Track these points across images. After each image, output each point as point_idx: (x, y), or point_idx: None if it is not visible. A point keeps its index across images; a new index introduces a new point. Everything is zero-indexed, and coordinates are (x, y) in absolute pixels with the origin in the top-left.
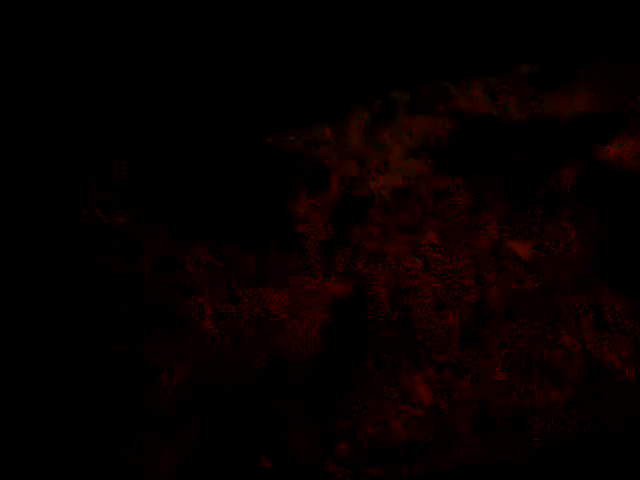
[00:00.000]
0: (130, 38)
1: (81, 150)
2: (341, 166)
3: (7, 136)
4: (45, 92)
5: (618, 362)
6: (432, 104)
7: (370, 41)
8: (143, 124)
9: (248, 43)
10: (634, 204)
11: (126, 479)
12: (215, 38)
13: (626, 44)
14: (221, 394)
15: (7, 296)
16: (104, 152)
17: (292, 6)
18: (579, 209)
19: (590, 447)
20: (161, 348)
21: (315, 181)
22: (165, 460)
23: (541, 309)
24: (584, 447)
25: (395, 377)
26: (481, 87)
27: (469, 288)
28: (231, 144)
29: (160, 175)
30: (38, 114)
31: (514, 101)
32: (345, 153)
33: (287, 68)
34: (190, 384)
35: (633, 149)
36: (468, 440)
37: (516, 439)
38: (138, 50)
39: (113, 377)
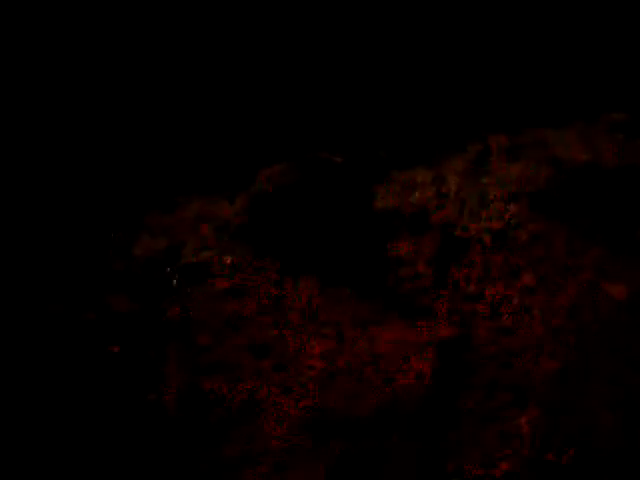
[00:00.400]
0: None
1: (190, 186)
2: (440, 209)
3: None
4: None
5: None
6: (529, 150)
7: (470, 86)
8: (253, 165)
9: (350, 91)
10: None
11: None
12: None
13: None
14: (330, 431)
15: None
16: (210, 190)
17: (394, 51)
18: None
19: None
20: (270, 383)
21: (415, 224)
22: None
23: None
24: None
25: (499, 417)
26: (575, 134)
27: (567, 329)
28: (334, 189)
29: (268, 214)
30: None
31: (607, 147)
32: (444, 196)
33: (386, 111)
34: (298, 420)
35: None
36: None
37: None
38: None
39: (222, 415)
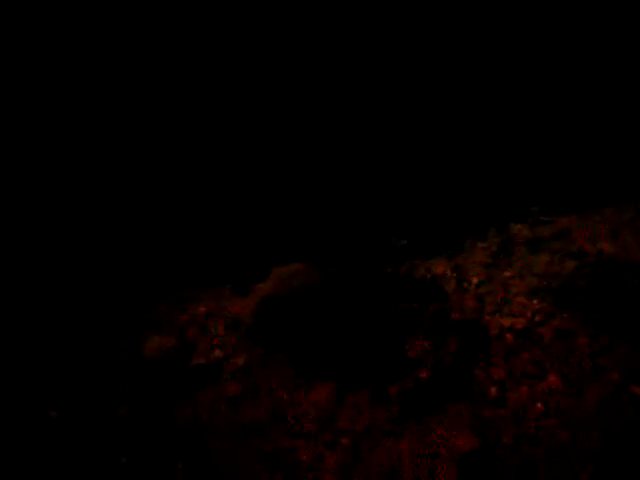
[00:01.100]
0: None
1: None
2: (461, 304)
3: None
4: None
5: None
6: (552, 241)
7: (493, 176)
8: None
9: (381, 182)
10: None
11: None
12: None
13: None
14: None
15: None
16: (222, 284)
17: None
18: None
19: None
20: None
21: (435, 322)
22: None
23: None
24: None
25: None
26: (600, 221)
27: (593, 435)
28: (357, 285)
29: (281, 314)
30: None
31: (634, 237)
32: (465, 290)
33: (411, 202)
34: None
35: None
36: None
37: None
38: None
39: None
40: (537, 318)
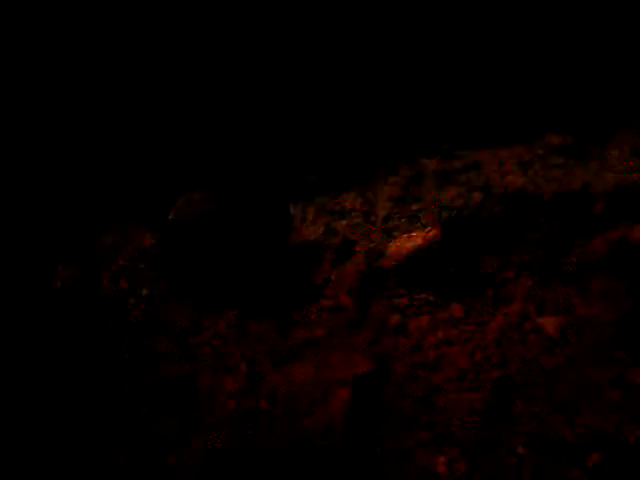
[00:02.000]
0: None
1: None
2: (368, 237)
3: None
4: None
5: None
6: (461, 174)
7: (401, 108)
8: (169, 194)
9: (276, 109)
10: None
11: None
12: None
13: None
14: (239, 473)
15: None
16: (131, 218)
17: (323, 72)
18: (608, 284)
19: None
20: (179, 423)
21: (341, 253)
22: None
23: (566, 385)
24: None
25: (415, 457)
26: (511, 157)
27: (493, 364)
28: (257, 211)
29: (187, 244)
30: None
31: (544, 173)
32: (372, 224)
33: (316, 135)
34: (205, 461)
35: None
36: None
37: None
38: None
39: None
40: (444, 250)
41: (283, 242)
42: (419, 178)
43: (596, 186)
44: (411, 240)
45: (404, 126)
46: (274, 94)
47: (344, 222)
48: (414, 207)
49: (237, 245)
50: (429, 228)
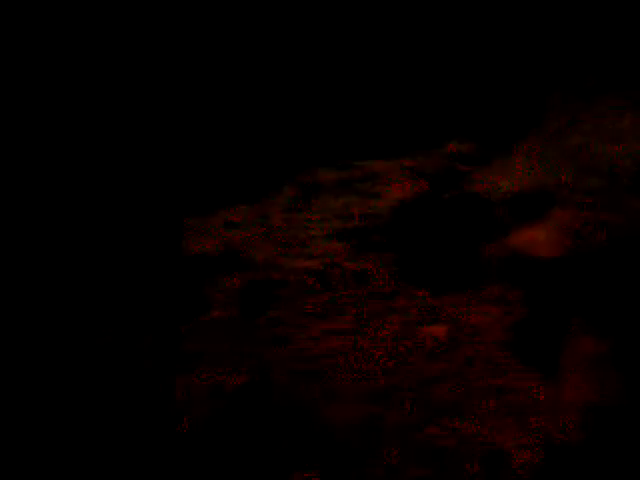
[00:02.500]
0: None
1: None
2: (261, 248)
3: None
4: None
5: (515, 449)
6: (359, 184)
7: (300, 118)
8: None
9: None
10: (548, 288)
11: None
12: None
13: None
14: None
15: None
16: None
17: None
18: (500, 291)
19: None
20: None
21: (232, 264)
22: None
23: (451, 393)
24: None
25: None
26: (410, 166)
27: (380, 372)
28: (149, 224)
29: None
30: None
31: (443, 180)
32: (266, 234)
33: (212, 144)
34: None
35: (550, 235)
36: None
37: None
38: None
39: None
40: (336, 259)
41: (176, 254)
42: (317, 189)
43: (496, 193)
44: (305, 252)
45: (303, 138)
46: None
47: (239, 234)
48: (309, 217)
49: (125, 257)
50: (325, 239)
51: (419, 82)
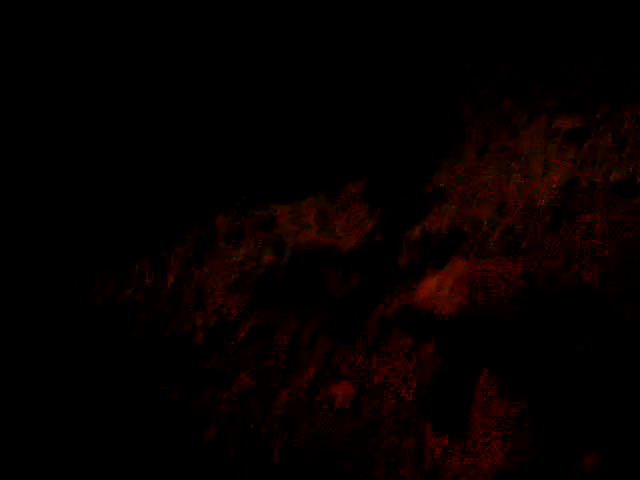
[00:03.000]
0: None
1: None
2: (154, 305)
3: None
4: None
5: None
6: (256, 231)
7: (193, 163)
8: None
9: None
10: (455, 343)
11: None
12: None
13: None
14: None
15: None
16: None
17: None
18: (406, 346)
19: None
20: None
21: (126, 321)
22: None
23: (356, 459)
24: None
25: None
26: (310, 209)
27: (278, 434)
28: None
29: None
30: None
31: (344, 224)
32: (159, 290)
33: (102, 195)
34: None
35: (454, 286)
36: None
37: None
38: None
39: None
40: (233, 315)
41: (66, 307)
42: (212, 237)
43: (402, 236)
44: (200, 309)
45: (199, 184)
46: None
47: (131, 289)
48: (205, 270)
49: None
50: (221, 295)
51: (317, 116)
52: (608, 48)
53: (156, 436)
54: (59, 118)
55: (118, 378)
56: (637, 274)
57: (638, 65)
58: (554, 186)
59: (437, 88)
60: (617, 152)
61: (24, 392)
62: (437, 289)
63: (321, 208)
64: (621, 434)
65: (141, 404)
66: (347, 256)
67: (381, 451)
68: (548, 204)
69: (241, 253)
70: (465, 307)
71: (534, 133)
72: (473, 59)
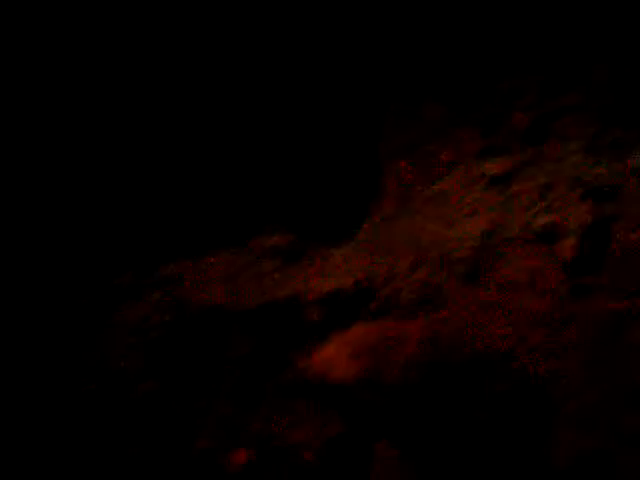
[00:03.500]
0: None
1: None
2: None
3: None
4: None
5: None
6: (156, 290)
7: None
8: None
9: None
10: (353, 411)
11: None
12: None
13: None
14: None
15: None
16: None
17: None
18: (306, 411)
19: None
20: None
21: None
22: None
23: None
24: None
25: None
26: (217, 266)
27: None
28: None
29: None
30: None
31: (250, 281)
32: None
33: None
34: None
35: (353, 352)
36: None
37: None
38: None
39: None
40: (130, 376)
41: None
42: (113, 296)
43: (309, 293)
44: (101, 369)
45: (97, 244)
46: None
47: None
48: (107, 330)
49: None
50: (121, 355)
51: (225, 166)
52: (538, 85)
53: None
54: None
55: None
56: (558, 328)
57: (569, 101)
58: (474, 234)
59: (356, 131)
60: (542, 197)
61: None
62: (337, 354)
63: (227, 264)
64: None
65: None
66: (250, 316)
67: None
68: (466, 255)
69: (140, 313)
70: (362, 374)
71: (458, 177)
72: (397, 100)
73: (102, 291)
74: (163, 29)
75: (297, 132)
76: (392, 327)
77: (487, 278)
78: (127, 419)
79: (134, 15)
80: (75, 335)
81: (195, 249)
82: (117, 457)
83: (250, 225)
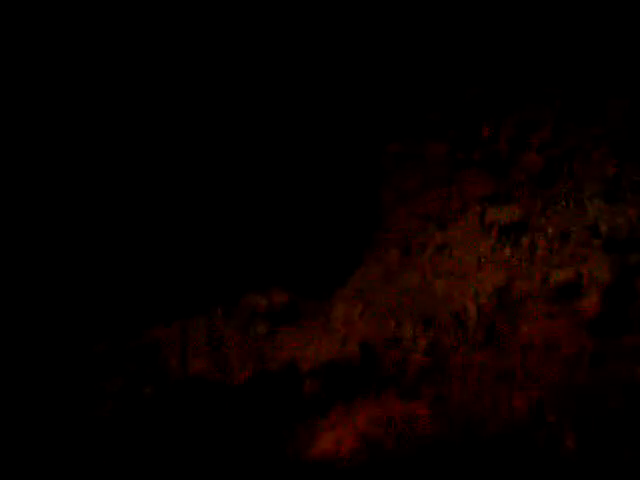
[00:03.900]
0: None
1: None
2: None
3: None
4: None
5: None
6: (136, 360)
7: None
8: None
9: None
10: None
11: None
12: None
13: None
14: None
15: None
16: None
17: None
18: None
19: None
20: None
21: None
22: None
23: None
24: None
25: None
26: (200, 331)
27: None
28: None
29: None
30: None
31: (238, 349)
32: None
33: None
34: None
35: (354, 441)
36: None
37: None
38: None
39: None
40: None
41: None
42: (91, 367)
43: (306, 361)
44: None
45: (73, 310)
46: None
47: None
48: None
49: None
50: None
51: (216, 221)
52: (552, 119)
53: None
54: None
55: None
56: (582, 395)
57: (584, 138)
58: (488, 290)
59: (355, 176)
60: (559, 248)
61: None
62: (338, 437)
63: (213, 329)
64: None
65: None
66: (241, 389)
67: None
68: (479, 315)
69: (120, 384)
70: (370, 459)
71: (466, 227)
72: (396, 138)
73: (78, 360)
74: (163, 32)
75: (290, 182)
76: (399, 403)
77: (504, 341)
78: None
79: (134, 15)
80: (48, 413)
81: (178, 310)
82: None
83: (238, 285)
